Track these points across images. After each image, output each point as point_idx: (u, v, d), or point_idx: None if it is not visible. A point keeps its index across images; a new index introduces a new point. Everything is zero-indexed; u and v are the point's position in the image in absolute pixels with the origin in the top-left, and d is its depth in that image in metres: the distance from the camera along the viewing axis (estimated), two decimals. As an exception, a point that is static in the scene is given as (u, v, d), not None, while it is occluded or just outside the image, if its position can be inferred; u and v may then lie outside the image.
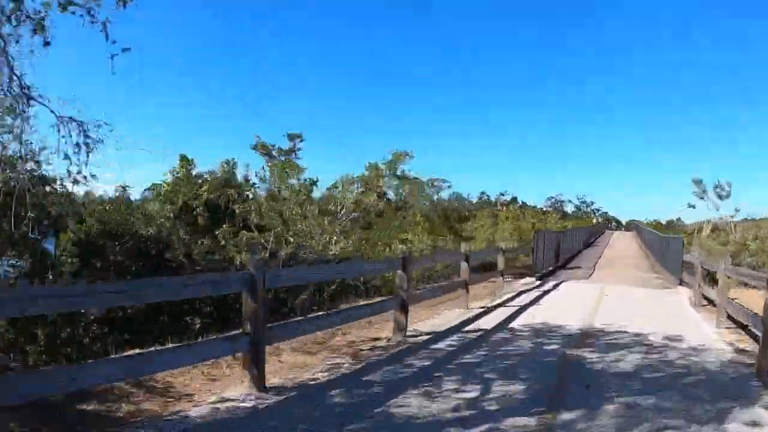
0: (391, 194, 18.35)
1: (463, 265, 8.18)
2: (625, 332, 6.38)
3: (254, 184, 14.50)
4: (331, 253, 10.95)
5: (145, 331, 8.26)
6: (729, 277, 7.52)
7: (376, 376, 4.31)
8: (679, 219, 57.93)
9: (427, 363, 4.80)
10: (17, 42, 3.76)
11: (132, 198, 18.81)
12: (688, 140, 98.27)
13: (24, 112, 4.04)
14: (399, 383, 4.10)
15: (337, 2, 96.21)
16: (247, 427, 3.23)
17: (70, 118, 4.26)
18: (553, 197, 78.84)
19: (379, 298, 7.44)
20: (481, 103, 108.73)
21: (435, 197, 73.72)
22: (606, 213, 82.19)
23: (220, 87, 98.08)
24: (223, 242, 11.03)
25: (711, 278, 9.29)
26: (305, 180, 12.30)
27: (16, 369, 6.32)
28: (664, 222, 64.60)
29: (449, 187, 76.67)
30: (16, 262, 8.01)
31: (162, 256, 10.88)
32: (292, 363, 4.68)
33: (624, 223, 74.84)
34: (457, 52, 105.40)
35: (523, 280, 11.89)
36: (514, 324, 6.86)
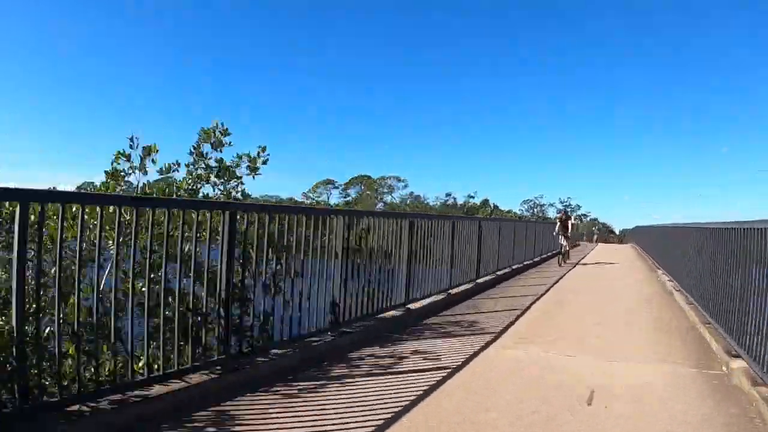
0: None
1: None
2: None
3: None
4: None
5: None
6: None
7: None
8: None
9: None
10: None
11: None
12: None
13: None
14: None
15: None
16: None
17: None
18: (530, 200, 72.65)
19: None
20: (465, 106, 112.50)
21: (389, 197, 73.75)
22: (596, 219, 71.93)
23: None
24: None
25: None
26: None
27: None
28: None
29: (405, 186, 76.78)
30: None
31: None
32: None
33: (618, 232, 65.62)
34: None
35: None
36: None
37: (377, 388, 3.94)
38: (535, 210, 71.25)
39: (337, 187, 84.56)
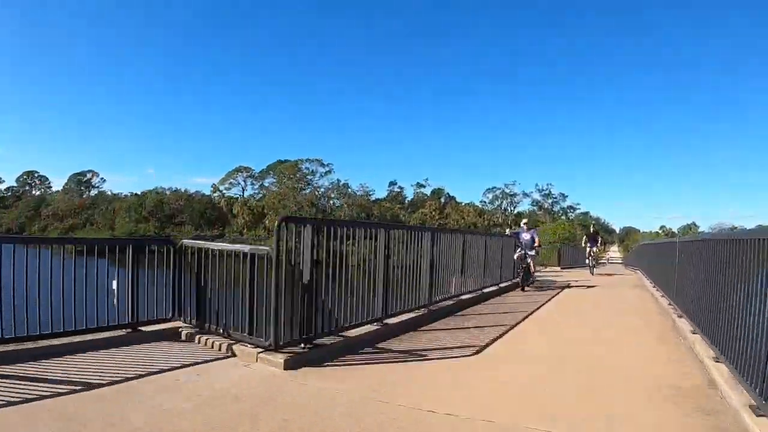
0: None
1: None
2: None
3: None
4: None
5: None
6: None
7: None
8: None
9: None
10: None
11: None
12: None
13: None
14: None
15: None
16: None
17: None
18: (497, 189, 56.76)
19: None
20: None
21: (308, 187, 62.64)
22: (587, 213, 59.53)
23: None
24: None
25: None
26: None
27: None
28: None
29: (329, 172, 64.80)
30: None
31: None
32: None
33: (618, 231, 53.57)
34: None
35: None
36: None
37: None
38: (504, 202, 55.96)
39: (252, 176, 70.84)
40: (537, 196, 55.64)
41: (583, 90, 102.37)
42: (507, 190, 55.12)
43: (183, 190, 70.77)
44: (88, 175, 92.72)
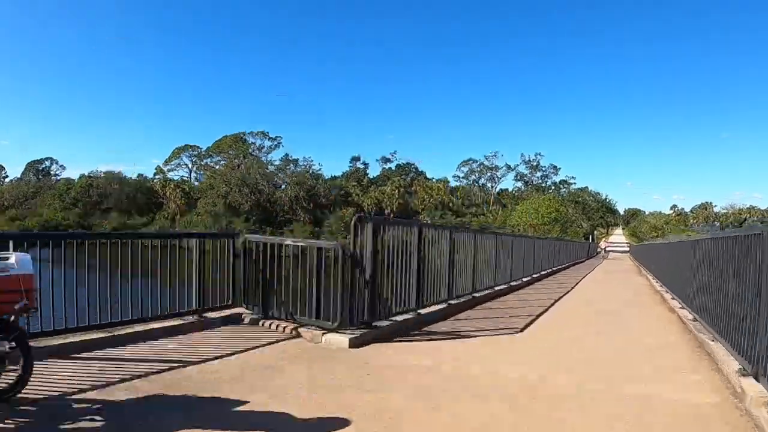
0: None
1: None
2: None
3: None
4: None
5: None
6: None
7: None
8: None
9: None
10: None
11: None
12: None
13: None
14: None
15: None
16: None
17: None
18: (474, 161, 45.72)
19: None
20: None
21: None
22: (586, 188, 50.27)
23: None
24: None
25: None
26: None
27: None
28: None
29: (278, 145, 57.56)
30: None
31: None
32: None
33: (623, 213, 45.98)
34: None
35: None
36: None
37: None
38: (482, 178, 45.17)
39: (199, 155, 62.73)
40: (523, 168, 45.01)
41: (579, 64, 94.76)
42: (487, 163, 45.09)
43: (117, 172, 63.09)
44: (46, 163, 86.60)
